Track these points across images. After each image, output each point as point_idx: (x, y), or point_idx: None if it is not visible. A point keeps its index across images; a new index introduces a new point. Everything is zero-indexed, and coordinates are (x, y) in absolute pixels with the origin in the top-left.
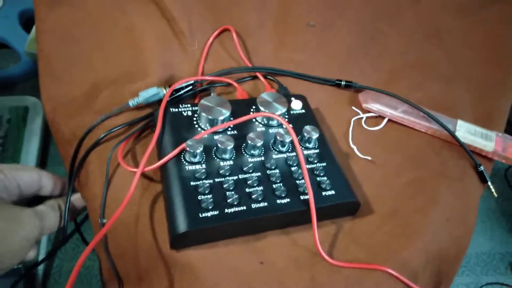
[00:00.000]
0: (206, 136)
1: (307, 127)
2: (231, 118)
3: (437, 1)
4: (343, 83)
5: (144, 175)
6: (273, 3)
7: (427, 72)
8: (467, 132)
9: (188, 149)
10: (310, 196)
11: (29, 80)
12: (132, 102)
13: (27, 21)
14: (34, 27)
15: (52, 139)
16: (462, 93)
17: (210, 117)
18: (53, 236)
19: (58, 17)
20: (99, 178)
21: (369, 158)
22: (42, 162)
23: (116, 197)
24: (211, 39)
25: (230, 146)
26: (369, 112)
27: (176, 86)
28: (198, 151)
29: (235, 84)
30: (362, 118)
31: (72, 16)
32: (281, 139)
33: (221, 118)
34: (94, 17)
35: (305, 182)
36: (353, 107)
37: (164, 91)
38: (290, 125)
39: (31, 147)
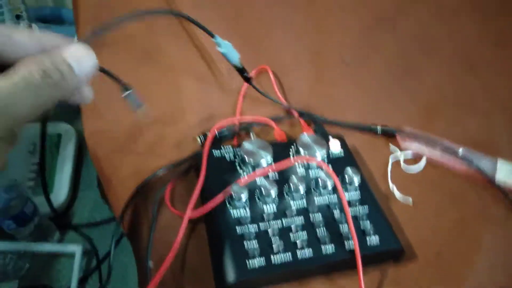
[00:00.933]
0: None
1: (349, 170)
2: (273, 161)
3: (474, 35)
4: (378, 128)
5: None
6: (308, 41)
7: (465, 107)
8: (508, 172)
9: (233, 194)
10: (355, 244)
11: (60, 107)
12: (217, 39)
13: None
14: None
15: (84, 164)
16: (501, 127)
17: (252, 160)
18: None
19: (102, 57)
20: (145, 219)
21: (410, 198)
22: (75, 187)
23: (162, 239)
24: None
25: (274, 191)
26: (407, 151)
27: (218, 128)
28: (243, 196)
29: (273, 124)
30: (400, 157)
31: (114, 56)
32: (322, 184)
33: (263, 162)
34: (136, 57)
35: (350, 230)
36: (390, 145)
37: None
38: (330, 168)
39: (64, 172)
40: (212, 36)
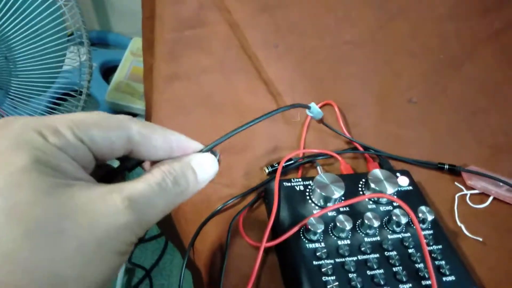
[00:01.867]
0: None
1: (423, 208)
2: (343, 196)
3: None
4: (446, 167)
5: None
6: (375, 80)
7: None
8: None
9: (310, 227)
10: (433, 283)
11: None
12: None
13: (106, 72)
14: (114, 78)
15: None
16: None
17: (324, 194)
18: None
19: (175, 89)
20: (217, 249)
21: (480, 239)
22: None
23: (235, 268)
24: None
25: (349, 225)
26: (472, 189)
27: (287, 159)
28: (319, 230)
29: (338, 157)
30: (466, 194)
31: (186, 89)
32: (397, 220)
33: (336, 196)
34: (205, 91)
35: (428, 268)
36: (456, 183)
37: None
38: (406, 205)
39: None
40: (308, 107)
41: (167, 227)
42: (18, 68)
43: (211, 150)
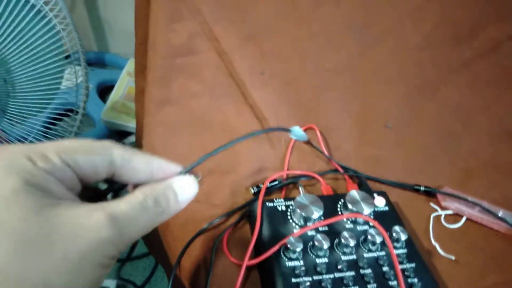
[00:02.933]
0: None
1: (397, 228)
2: (322, 216)
3: (509, 106)
4: (422, 188)
5: None
6: (354, 105)
7: (503, 172)
8: None
9: (289, 246)
10: None
11: None
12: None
13: (103, 91)
14: (110, 97)
15: None
16: None
17: (304, 214)
18: None
19: (166, 113)
20: (202, 266)
21: (452, 257)
22: None
23: (218, 286)
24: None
25: (326, 244)
26: (447, 209)
27: (270, 180)
28: (298, 248)
29: (319, 178)
30: (441, 215)
31: (177, 113)
32: (372, 239)
33: (315, 216)
34: (195, 115)
35: (400, 285)
36: (431, 204)
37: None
38: (379, 225)
39: None
40: (289, 131)
41: (155, 247)
42: (16, 90)
43: (192, 171)
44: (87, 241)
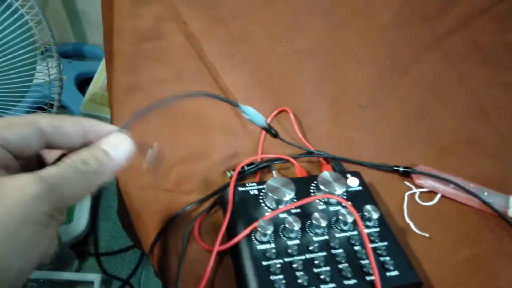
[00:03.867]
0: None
1: (368, 207)
2: (295, 197)
3: (483, 82)
4: (401, 169)
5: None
6: (327, 87)
7: (477, 148)
8: None
9: (259, 229)
10: (376, 278)
11: None
12: (242, 107)
13: (82, 83)
14: (89, 89)
15: (103, 196)
16: None
17: (276, 197)
18: None
19: (134, 100)
20: (174, 253)
21: (426, 234)
22: (94, 216)
23: (190, 272)
24: (269, 120)
25: (297, 226)
26: (422, 187)
27: (242, 166)
28: (268, 231)
29: (293, 161)
30: (415, 193)
31: (146, 99)
32: (343, 219)
33: (286, 198)
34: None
35: (371, 264)
36: (405, 182)
37: (265, 124)
38: (350, 204)
39: (84, 203)
40: (237, 106)
41: (134, 235)
42: None
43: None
44: (14, 197)
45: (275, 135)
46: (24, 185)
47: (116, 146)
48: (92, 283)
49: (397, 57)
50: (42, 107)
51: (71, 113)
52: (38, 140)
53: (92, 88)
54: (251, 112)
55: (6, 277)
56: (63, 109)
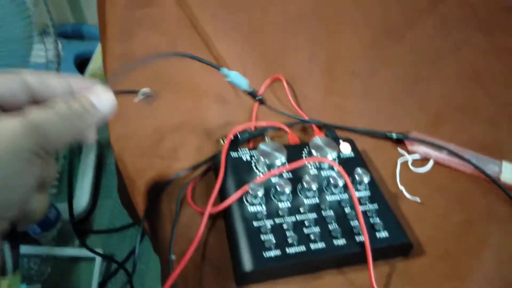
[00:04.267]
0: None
1: (359, 170)
2: (286, 162)
3: (478, 48)
4: (394, 136)
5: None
6: (321, 54)
7: (471, 115)
8: None
9: (250, 191)
10: (365, 239)
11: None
12: (223, 70)
13: (81, 64)
14: (87, 70)
15: (104, 174)
16: (506, 132)
17: (268, 161)
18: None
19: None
20: (168, 217)
21: (418, 199)
22: (95, 193)
23: (184, 235)
24: (263, 87)
25: (288, 189)
26: (414, 154)
27: (235, 132)
28: (259, 193)
29: (286, 128)
30: (408, 160)
31: (139, 68)
32: (334, 182)
33: (278, 162)
34: (158, 69)
35: (360, 224)
36: (398, 149)
37: (248, 88)
38: (341, 167)
39: (85, 180)
40: (218, 68)
41: (133, 211)
42: None
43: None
44: (2, 136)
45: (261, 101)
46: (7, 122)
47: (99, 95)
48: (93, 259)
49: (392, 22)
50: None
51: None
52: (24, 91)
53: (91, 68)
54: (233, 75)
55: None
56: None
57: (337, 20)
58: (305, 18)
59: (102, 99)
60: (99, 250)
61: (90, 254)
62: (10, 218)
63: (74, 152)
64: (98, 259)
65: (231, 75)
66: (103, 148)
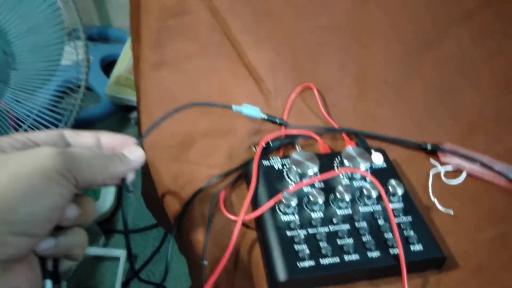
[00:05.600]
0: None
1: (392, 182)
2: (318, 172)
3: (511, 57)
4: (429, 147)
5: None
6: (352, 62)
7: (506, 125)
8: None
9: (284, 201)
10: (400, 252)
11: (106, 120)
12: (235, 108)
13: (107, 66)
14: (113, 72)
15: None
16: None
17: (300, 171)
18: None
19: (161, 76)
20: (200, 223)
21: (451, 212)
22: (119, 197)
23: (216, 241)
24: (293, 95)
25: (321, 199)
26: (447, 165)
27: (267, 140)
28: (292, 203)
29: (317, 137)
30: (441, 171)
31: (173, 75)
32: (367, 193)
33: (310, 171)
34: (191, 77)
35: (395, 237)
36: (431, 159)
37: (262, 115)
38: (375, 178)
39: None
40: (230, 107)
41: (159, 214)
42: (16, 61)
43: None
44: (29, 153)
45: (281, 124)
46: (45, 148)
47: (131, 151)
48: (118, 258)
49: (424, 32)
50: (70, 87)
51: (96, 95)
52: (62, 141)
53: (117, 70)
54: (245, 109)
55: (14, 217)
56: (89, 90)
57: (368, 32)
58: (336, 30)
59: (133, 152)
60: (122, 250)
61: (115, 253)
62: (37, 235)
63: None
64: (122, 258)
65: (243, 109)
66: None
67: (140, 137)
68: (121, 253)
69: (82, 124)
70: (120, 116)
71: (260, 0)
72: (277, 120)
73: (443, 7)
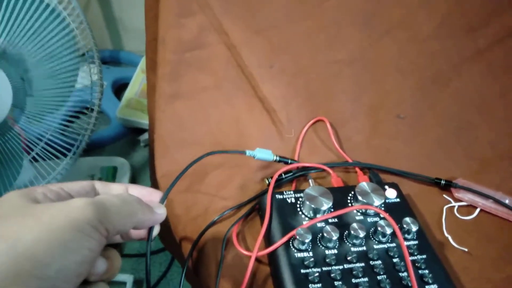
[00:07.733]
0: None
1: (407, 219)
2: (332, 207)
3: None
4: (442, 182)
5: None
6: (365, 97)
7: None
8: None
9: (298, 237)
10: None
11: (116, 142)
12: (249, 153)
13: (118, 89)
14: (125, 95)
15: None
16: None
17: (314, 206)
18: None
19: (176, 108)
20: (212, 256)
21: (465, 249)
22: None
23: (228, 277)
24: (306, 128)
25: (336, 236)
26: (460, 201)
27: (281, 172)
28: (307, 240)
29: (330, 171)
30: (454, 207)
31: (187, 107)
32: (382, 231)
33: (324, 207)
34: (205, 108)
35: (410, 276)
36: (444, 195)
37: (274, 157)
38: (389, 216)
39: None
40: (243, 153)
41: (169, 241)
42: (33, 88)
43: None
44: (61, 205)
45: (291, 163)
46: (77, 199)
47: (154, 205)
48: (124, 283)
49: (438, 68)
50: (82, 111)
51: (107, 117)
52: (93, 191)
53: (128, 93)
54: (258, 153)
55: (45, 274)
56: (100, 113)
57: (382, 66)
58: (350, 64)
59: (156, 207)
60: (129, 274)
61: (121, 278)
62: (64, 282)
63: (108, 175)
64: (129, 284)
65: (256, 153)
66: (136, 171)
67: (162, 196)
68: (128, 278)
69: (92, 146)
70: (130, 138)
71: (276, 35)
72: (289, 161)
73: (456, 44)
